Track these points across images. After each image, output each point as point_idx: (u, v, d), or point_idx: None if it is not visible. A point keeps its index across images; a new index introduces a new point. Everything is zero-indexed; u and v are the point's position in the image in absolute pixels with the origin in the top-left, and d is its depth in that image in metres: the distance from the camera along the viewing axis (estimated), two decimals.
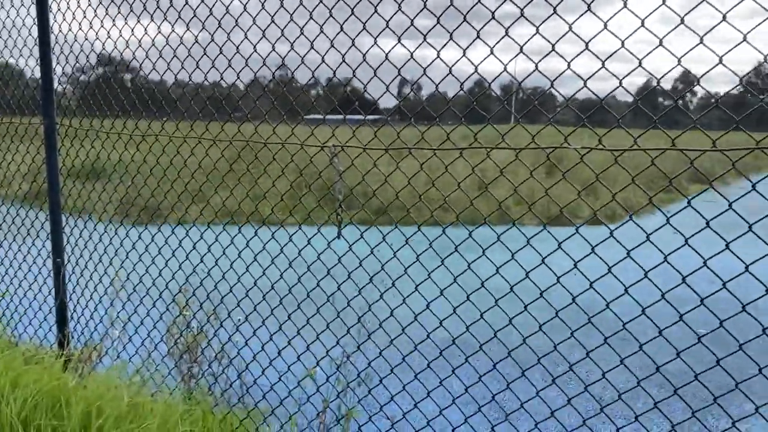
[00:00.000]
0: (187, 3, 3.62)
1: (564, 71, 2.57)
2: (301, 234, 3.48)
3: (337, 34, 3.17)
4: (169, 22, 3.79)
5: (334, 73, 3.28)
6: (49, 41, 4.28)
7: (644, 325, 2.48)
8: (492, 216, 3.19)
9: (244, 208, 4.01)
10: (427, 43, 2.80)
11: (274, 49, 3.37)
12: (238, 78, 3.55)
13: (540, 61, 2.53)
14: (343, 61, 3.15)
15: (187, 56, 3.64)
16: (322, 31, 3.22)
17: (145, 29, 3.85)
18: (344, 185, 3.36)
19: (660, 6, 2.34)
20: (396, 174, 3.34)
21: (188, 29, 3.70)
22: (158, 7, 3.71)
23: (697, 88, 2.36)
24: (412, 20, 2.82)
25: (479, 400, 3.13)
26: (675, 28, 2.31)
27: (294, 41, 3.32)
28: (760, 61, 2.33)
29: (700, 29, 2.22)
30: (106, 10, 4.11)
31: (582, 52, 2.50)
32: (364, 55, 3.05)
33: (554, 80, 2.66)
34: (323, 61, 3.24)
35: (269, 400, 3.73)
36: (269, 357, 3.61)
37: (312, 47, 3.28)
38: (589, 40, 2.42)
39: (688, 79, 2.49)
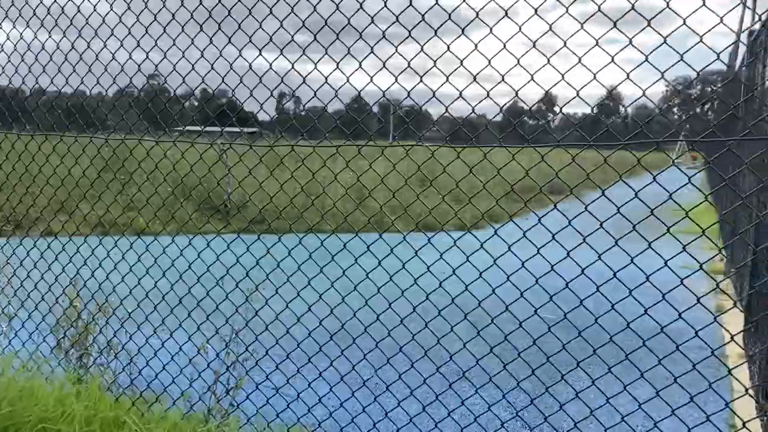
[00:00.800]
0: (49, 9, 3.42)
1: (438, 89, 2.73)
2: (183, 242, 3.64)
3: (207, 46, 3.15)
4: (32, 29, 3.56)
5: (203, 79, 3.24)
6: None
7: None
8: (369, 224, 3.42)
9: (122, 218, 3.97)
10: (307, 57, 2.85)
11: (147, 58, 3.27)
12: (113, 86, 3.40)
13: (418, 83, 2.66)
14: (211, 67, 3.12)
15: (48, 62, 3.43)
16: (192, 42, 3.18)
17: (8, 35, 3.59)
18: (233, 178, 3.51)
19: (516, 33, 2.55)
20: (282, 184, 3.40)
21: (49, 36, 3.49)
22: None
23: (556, 108, 2.61)
24: (292, 36, 2.86)
25: (350, 379, 3.56)
26: (527, 51, 2.54)
27: (167, 51, 3.25)
28: (612, 86, 2.62)
29: (562, 55, 2.46)
30: None
31: (455, 70, 2.67)
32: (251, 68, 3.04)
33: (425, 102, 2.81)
34: (194, 69, 3.19)
35: (163, 382, 3.89)
36: (157, 348, 3.88)
37: (183, 55, 3.22)
38: (463, 59, 2.59)
39: (550, 101, 2.74)
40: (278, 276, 3.39)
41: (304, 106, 3.21)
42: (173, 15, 3.13)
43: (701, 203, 2.53)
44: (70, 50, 3.42)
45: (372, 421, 3.47)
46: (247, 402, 3.76)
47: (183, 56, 3.19)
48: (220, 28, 3.06)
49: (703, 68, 2.17)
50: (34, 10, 3.48)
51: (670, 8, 2.22)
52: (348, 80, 2.94)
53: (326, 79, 2.89)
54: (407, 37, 2.71)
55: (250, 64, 3.02)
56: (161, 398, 3.86)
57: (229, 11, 2.99)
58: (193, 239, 3.47)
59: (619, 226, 2.55)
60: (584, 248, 2.56)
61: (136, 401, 3.72)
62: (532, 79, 2.45)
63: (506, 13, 2.50)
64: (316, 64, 2.93)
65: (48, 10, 3.43)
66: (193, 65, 3.16)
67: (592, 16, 2.37)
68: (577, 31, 2.39)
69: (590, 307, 2.66)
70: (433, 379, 3.22)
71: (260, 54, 3.02)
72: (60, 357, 4.23)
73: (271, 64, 3.01)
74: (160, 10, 3.20)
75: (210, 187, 3.19)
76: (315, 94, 2.93)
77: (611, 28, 2.30)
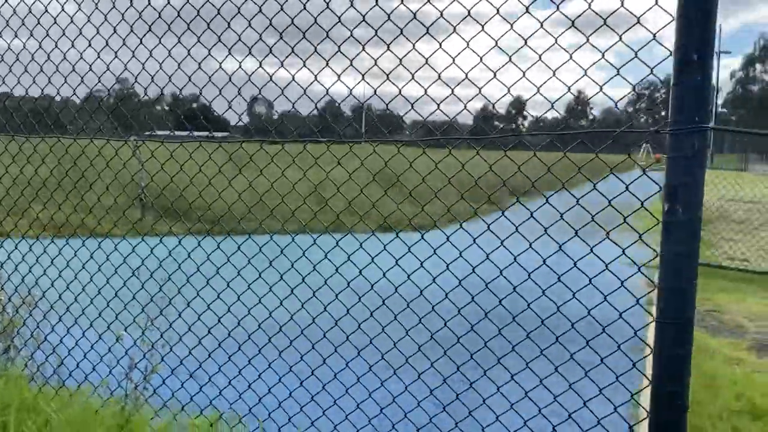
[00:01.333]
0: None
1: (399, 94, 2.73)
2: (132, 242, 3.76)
3: (174, 47, 3.12)
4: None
5: (170, 79, 3.21)
6: None
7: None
8: (329, 225, 3.52)
9: (71, 220, 4.03)
10: (276, 58, 2.84)
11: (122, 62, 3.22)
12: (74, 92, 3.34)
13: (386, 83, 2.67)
14: (186, 74, 3.09)
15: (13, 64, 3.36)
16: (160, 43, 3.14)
17: None
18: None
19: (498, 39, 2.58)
20: (239, 186, 3.41)
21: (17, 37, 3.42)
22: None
23: (527, 113, 2.64)
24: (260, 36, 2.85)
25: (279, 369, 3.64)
26: (504, 64, 2.56)
27: (132, 56, 3.21)
28: (580, 90, 2.65)
29: (530, 60, 2.48)
30: None
31: (436, 81, 2.68)
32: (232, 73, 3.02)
33: (389, 102, 2.82)
34: (162, 71, 3.15)
35: (85, 372, 4.00)
36: (78, 339, 4.02)
37: (155, 61, 3.19)
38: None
39: (519, 105, 2.76)
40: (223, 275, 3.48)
41: (271, 107, 3.21)
42: (140, 14, 3.09)
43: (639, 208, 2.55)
44: (36, 50, 3.36)
45: (298, 406, 3.47)
46: (167, 387, 3.85)
47: (150, 56, 3.16)
48: (189, 28, 3.04)
49: (642, 79, 2.22)
50: None
51: (626, 8, 2.25)
52: (316, 79, 2.94)
53: (293, 77, 2.88)
54: (371, 39, 2.71)
55: (220, 64, 3.00)
56: (84, 387, 3.98)
57: (198, 12, 2.97)
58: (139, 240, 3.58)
59: (579, 224, 2.61)
60: (542, 245, 2.64)
61: (59, 390, 3.87)
62: (495, 79, 2.48)
63: (469, 13, 2.52)
64: (282, 63, 2.92)
65: (14, 10, 3.37)
66: (161, 64, 3.13)
67: (548, 18, 2.41)
68: (559, 35, 2.42)
69: (540, 302, 2.73)
70: (364, 373, 3.32)
71: (229, 53, 3.00)
72: None
73: (240, 64, 2.99)
74: (127, 9, 3.16)
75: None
76: (282, 93, 2.92)
77: (567, 29, 2.33)
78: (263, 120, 3.32)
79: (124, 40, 3.15)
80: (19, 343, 4.33)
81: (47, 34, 3.33)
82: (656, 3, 2.17)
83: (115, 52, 3.18)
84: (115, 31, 3.17)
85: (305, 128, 3.01)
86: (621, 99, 2.37)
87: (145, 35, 3.12)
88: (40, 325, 4.20)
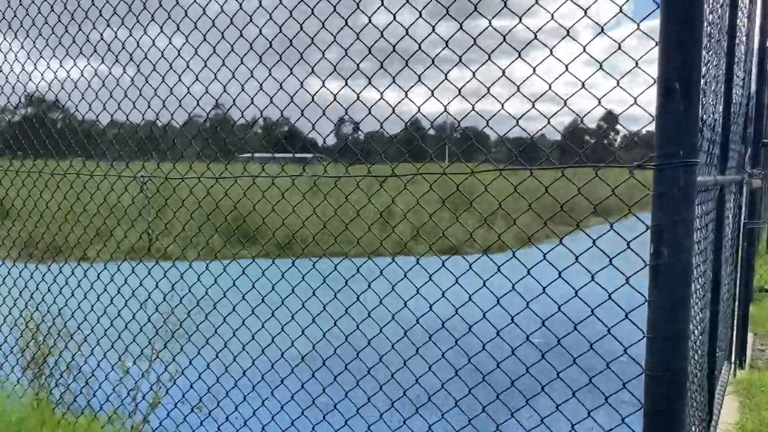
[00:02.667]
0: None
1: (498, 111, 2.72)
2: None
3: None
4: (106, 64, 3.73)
5: (261, 112, 3.32)
6: None
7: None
8: (394, 249, 3.43)
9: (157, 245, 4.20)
10: (370, 83, 2.90)
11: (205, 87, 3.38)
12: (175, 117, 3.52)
13: (476, 101, 2.67)
14: (271, 101, 3.20)
15: (111, 94, 3.58)
16: (252, 74, 3.26)
17: (73, 67, 3.77)
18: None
19: (581, 53, 2.53)
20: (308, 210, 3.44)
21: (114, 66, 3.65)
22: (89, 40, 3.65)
23: (620, 128, 2.57)
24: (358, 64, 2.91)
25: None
26: (594, 72, 2.51)
27: (227, 83, 3.35)
28: None
29: (621, 72, 2.42)
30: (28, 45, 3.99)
31: (513, 94, 2.66)
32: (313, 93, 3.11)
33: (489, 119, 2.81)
34: (251, 99, 3.27)
35: (100, 399, 4.28)
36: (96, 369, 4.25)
37: (243, 89, 3.32)
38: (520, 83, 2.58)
39: (611, 119, 2.70)
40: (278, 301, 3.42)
41: (357, 128, 3.27)
42: (231, 46, 3.23)
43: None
44: (131, 83, 3.56)
45: None
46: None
47: (242, 86, 3.29)
48: (281, 59, 3.15)
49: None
50: (94, 46, 3.66)
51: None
52: (407, 97, 2.97)
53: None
54: (457, 63, 2.72)
55: (301, 83, 3.09)
56: (100, 415, 4.22)
57: (291, 41, 3.08)
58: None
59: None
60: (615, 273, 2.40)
61: (79, 417, 4.17)
62: (585, 91, 2.42)
63: (568, 33, 2.48)
64: (380, 88, 2.97)
65: (109, 46, 3.60)
66: (238, 85, 3.25)
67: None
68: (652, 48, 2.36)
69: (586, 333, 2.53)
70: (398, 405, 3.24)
71: (312, 72, 3.08)
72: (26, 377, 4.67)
73: (323, 84, 3.07)
74: (219, 41, 3.31)
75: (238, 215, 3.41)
76: (370, 112, 2.97)
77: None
78: (349, 142, 3.38)
79: (222, 65, 3.31)
80: (48, 371, 4.55)
81: (154, 65, 3.53)
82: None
83: (215, 75, 3.34)
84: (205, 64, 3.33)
85: (393, 149, 3.04)
86: None
87: (231, 56, 3.26)
88: (74, 356, 4.36)
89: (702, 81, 2.01)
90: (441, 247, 3.27)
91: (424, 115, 2.87)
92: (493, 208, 2.99)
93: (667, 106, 1.85)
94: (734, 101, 4.11)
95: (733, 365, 5.79)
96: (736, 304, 5.70)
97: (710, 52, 2.82)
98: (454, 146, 2.98)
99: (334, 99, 3.03)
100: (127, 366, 4.17)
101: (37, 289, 4.47)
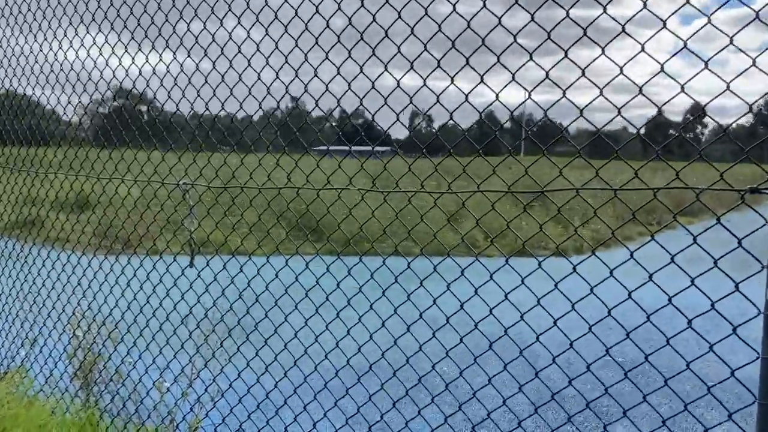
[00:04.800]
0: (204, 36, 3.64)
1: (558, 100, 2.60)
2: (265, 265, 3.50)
3: (343, 61, 3.21)
4: (172, 51, 3.81)
5: (338, 102, 3.31)
6: None
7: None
8: (459, 248, 3.22)
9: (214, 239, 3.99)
10: (443, 70, 2.83)
11: (278, 77, 3.39)
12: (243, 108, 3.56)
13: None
14: (350, 89, 3.17)
15: (187, 85, 3.65)
16: (327, 58, 3.25)
17: (146, 60, 3.87)
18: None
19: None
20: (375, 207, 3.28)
21: (186, 58, 3.72)
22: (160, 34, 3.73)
23: (709, 121, 2.40)
24: (426, 46, 2.85)
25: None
26: (675, 53, 2.36)
27: (297, 70, 3.35)
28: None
29: (712, 61, 2.26)
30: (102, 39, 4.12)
31: (579, 78, 2.54)
32: (373, 83, 3.07)
33: (547, 109, 2.69)
34: (327, 90, 3.26)
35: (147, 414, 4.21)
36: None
37: (316, 75, 3.30)
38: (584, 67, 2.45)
39: (698, 111, 2.53)
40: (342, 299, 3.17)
41: (427, 121, 3.19)
42: (316, 39, 3.23)
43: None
44: (210, 72, 3.61)
45: None
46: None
47: (316, 75, 3.29)
48: (350, 54, 3.12)
49: None
50: (181, 38, 3.73)
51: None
52: (497, 97, 2.88)
53: (467, 97, 2.85)
54: (536, 49, 2.61)
55: (391, 80, 3.05)
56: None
57: (361, 35, 3.04)
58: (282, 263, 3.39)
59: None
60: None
61: (127, 424, 4.13)
62: (682, 89, 2.28)
63: (664, 24, 2.34)
64: (452, 80, 2.90)
65: (196, 38, 3.66)
66: (327, 87, 3.24)
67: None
68: (737, 32, 2.19)
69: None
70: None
71: (385, 69, 3.04)
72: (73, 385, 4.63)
73: (398, 82, 3.02)
74: (302, 33, 3.31)
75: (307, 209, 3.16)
76: (438, 101, 2.90)
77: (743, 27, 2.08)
78: (423, 134, 3.32)
79: (298, 59, 3.31)
80: (98, 376, 4.54)
81: (229, 58, 3.58)
82: None
83: (296, 71, 3.35)
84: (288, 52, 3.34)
85: (465, 141, 2.96)
86: None
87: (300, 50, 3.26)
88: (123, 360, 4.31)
89: None
90: (512, 248, 3.11)
91: (503, 104, 2.77)
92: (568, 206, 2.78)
93: None
94: None
95: None
96: None
97: None
98: (533, 139, 2.86)
99: (412, 96, 2.98)
100: (194, 372, 4.07)
101: (107, 279, 4.31)
